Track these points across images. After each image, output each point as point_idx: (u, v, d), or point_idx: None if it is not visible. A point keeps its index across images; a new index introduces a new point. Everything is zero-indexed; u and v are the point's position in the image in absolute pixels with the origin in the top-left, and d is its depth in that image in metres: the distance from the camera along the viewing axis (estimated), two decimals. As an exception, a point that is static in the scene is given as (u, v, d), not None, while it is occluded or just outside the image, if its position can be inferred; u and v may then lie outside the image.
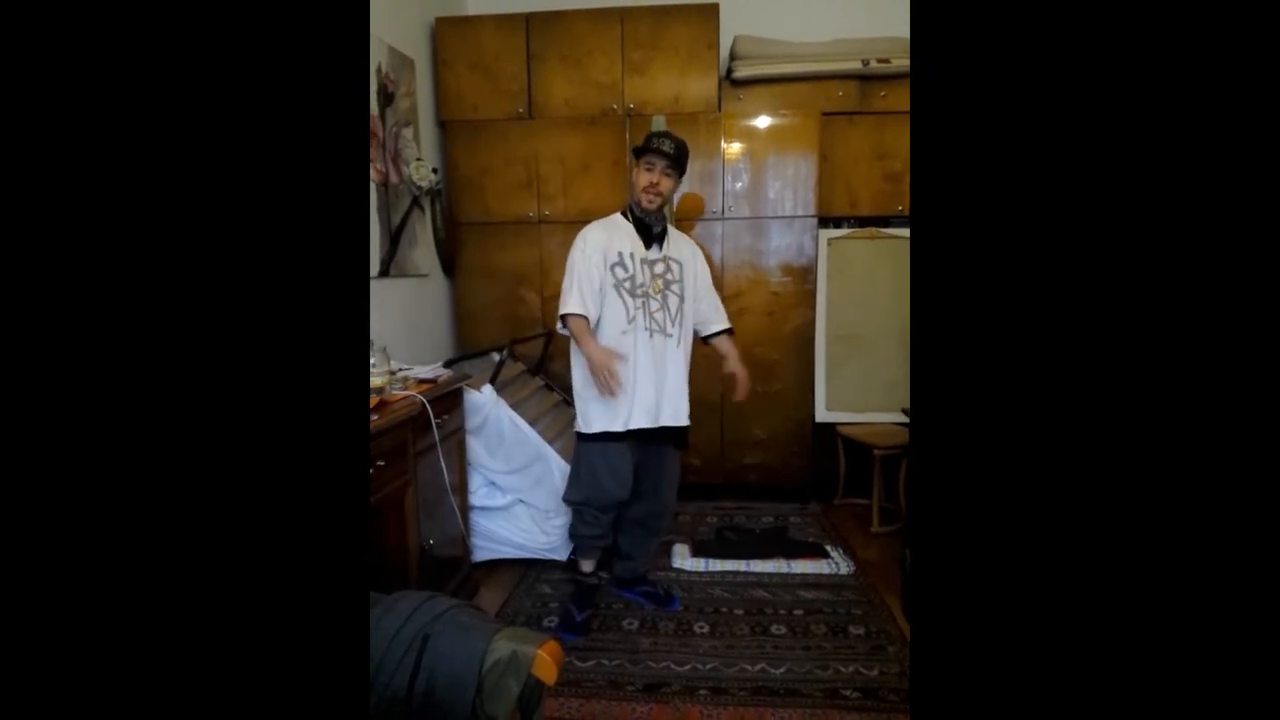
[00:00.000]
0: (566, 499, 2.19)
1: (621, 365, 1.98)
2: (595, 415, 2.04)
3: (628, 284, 2.01)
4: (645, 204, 2.00)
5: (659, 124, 2.87)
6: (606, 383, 1.91)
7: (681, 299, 2.08)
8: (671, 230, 2.14)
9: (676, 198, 2.96)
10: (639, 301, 2.01)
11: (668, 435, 2.09)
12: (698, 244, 2.23)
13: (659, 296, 2.04)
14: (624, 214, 2.09)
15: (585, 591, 2.20)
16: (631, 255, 2.01)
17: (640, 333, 2.02)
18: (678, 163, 2.00)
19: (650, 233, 2.05)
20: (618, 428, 2.02)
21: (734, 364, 2.17)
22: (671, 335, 2.05)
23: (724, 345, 2.21)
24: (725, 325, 2.22)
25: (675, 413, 2.07)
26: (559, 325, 2.05)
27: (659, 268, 2.05)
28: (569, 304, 1.97)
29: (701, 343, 2.23)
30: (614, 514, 2.16)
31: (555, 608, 2.22)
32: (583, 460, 2.11)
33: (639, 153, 2.02)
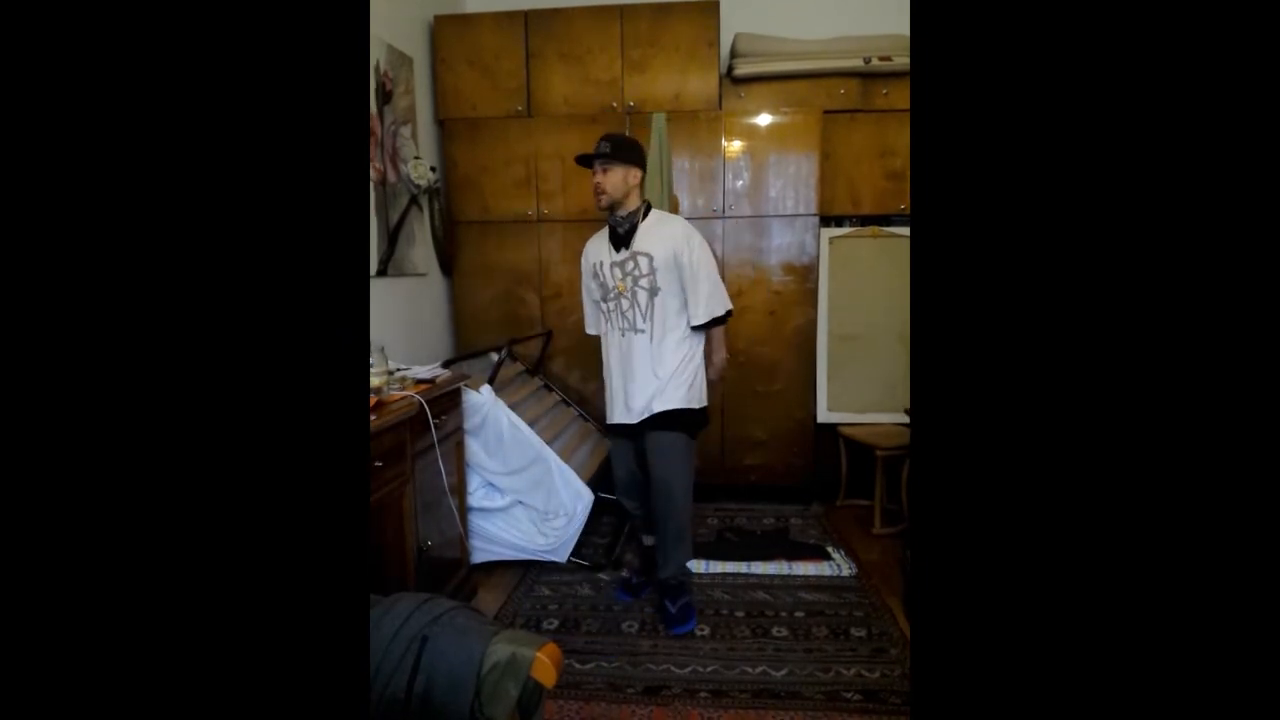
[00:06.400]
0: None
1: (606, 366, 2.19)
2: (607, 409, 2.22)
3: (600, 291, 2.13)
4: (598, 208, 2.05)
5: (659, 122, 2.86)
6: None
7: (651, 291, 2.03)
8: (653, 219, 2.06)
9: (685, 195, 2.95)
10: (612, 304, 2.10)
11: (653, 424, 2.08)
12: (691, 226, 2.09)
13: (628, 295, 2.06)
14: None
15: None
16: (602, 264, 2.11)
17: (614, 334, 2.13)
18: (615, 155, 1.97)
19: (617, 235, 2.07)
20: (610, 421, 2.22)
21: (715, 363, 2.18)
22: (643, 330, 2.05)
23: (713, 341, 2.14)
24: (710, 314, 2.04)
25: (650, 403, 2.06)
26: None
27: (628, 266, 2.06)
28: (587, 326, 2.31)
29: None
30: (636, 499, 2.28)
31: (554, 610, 2.21)
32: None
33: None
